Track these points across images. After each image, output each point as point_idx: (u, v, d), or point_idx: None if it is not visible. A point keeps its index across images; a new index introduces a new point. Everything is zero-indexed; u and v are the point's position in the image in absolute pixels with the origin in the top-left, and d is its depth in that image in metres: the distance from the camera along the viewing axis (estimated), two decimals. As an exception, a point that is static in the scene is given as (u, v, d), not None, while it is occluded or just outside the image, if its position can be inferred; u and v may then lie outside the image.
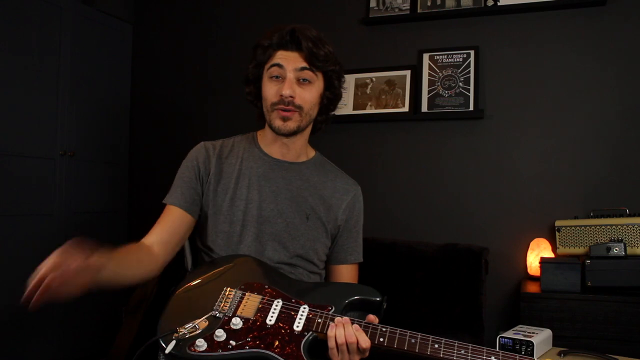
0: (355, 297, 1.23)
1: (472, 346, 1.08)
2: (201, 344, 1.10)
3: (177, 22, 3.20)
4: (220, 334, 1.12)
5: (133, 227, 3.18)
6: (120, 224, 3.16)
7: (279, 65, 1.31)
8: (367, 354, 1.13)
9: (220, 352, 1.10)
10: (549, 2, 2.41)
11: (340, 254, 1.46)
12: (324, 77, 1.37)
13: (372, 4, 2.73)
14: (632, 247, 2.10)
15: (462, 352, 1.08)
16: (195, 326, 1.14)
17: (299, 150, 1.43)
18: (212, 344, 1.11)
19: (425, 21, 2.65)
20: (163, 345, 1.12)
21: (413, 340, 1.10)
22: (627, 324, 1.94)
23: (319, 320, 1.15)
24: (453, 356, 1.08)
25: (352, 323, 1.13)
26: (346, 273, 1.47)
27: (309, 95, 1.33)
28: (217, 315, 1.17)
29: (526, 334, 1.84)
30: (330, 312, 1.17)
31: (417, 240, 2.46)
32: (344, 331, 1.10)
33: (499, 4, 2.49)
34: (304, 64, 1.31)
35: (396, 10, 2.69)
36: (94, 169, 2.96)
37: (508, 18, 2.51)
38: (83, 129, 2.86)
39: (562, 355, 1.81)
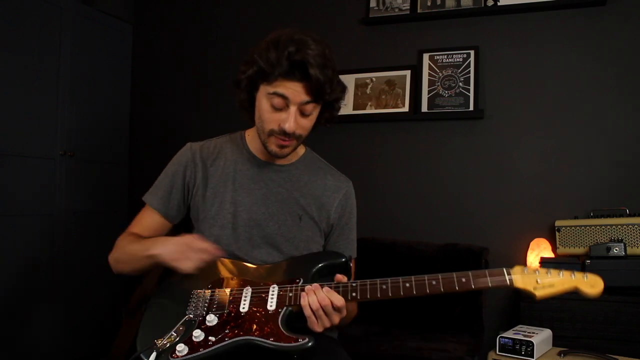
0: (321, 264, 1.25)
1: (441, 276, 1.12)
2: (182, 349, 1.10)
3: (177, 22, 3.20)
4: (198, 334, 1.12)
5: (133, 227, 3.18)
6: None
7: (283, 97, 1.23)
8: (344, 312, 1.15)
9: (202, 351, 1.10)
10: (549, 2, 2.41)
11: None
12: (324, 103, 1.32)
13: (372, 4, 2.73)
14: (632, 247, 2.10)
15: (434, 282, 1.11)
16: (172, 334, 1.14)
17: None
18: (192, 345, 1.11)
19: (425, 21, 2.65)
20: None
21: (384, 287, 1.13)
22: (627, 324, 1.94)
23: (290, 294, 1.17)
24: (426, 290, 1.11)
25: (322, 287, 1.14)
26: None
27: (308, 124, 1.30)
28: (192, 317, 1.18)
29: (526, 334, 1.84)
30: (299, 284, 1.19)
31: (417, 240, 2.46)
32: (316, 296, 1.13)
33: (499, 4, 2.49)
34: (309, 98, 1.23)
35: (396, 10, 2.68)
36: (94, 169, 2.96)
37: (508, 18, 2.51)
38: (83, 129, 2.86)
39: (562, 355, 1.81)
